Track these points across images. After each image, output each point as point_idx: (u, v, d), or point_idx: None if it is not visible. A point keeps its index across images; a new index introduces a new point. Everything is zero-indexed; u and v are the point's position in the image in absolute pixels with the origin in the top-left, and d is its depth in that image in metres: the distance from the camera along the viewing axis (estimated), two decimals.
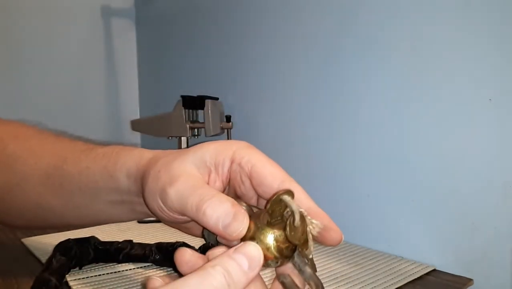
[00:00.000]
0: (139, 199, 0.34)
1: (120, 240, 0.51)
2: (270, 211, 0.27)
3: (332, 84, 0.64)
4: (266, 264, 0.26)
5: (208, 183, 0.31)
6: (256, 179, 0.30)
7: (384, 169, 0.58)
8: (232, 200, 0.28)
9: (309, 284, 0.27)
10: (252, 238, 0.27)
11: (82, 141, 0.42)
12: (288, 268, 0.28)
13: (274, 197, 0.26)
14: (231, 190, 0.33)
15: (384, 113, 0.58)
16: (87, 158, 0.37)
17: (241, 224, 0.27)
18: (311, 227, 0.27)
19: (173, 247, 0.49)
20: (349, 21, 0.61)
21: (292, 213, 0.26)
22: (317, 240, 0.28)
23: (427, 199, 0.54)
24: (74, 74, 1.01)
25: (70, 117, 0.99)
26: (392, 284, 0.47)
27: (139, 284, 0.45)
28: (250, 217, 0.28)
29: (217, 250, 0.26)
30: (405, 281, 0.48)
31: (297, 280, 0.28)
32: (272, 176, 0.30)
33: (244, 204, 0.29)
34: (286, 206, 0.26)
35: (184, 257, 0.26)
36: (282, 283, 0.27)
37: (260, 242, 0.26)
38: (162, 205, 0.30)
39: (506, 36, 0.46)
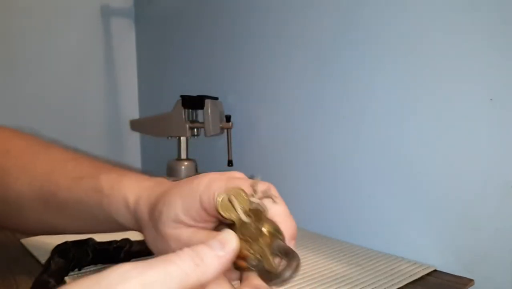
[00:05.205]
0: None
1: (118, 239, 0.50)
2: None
3: (333, 84, 0.64)
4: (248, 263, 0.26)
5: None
6: None
7: (385, 169, 0.58)
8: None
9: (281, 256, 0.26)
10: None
11: (71, 154, 0.42)
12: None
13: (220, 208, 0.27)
14: None
15: (384, 113, 0.58)
16: (79, 189, 0.38)
17: None
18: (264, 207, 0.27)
19: None
20: (350, 22, 0.61)
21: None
22: None
23: (428, 199, 0.54)
24: (74, 73, 1.00)
25: (70, 117, 0.99)
26: (392, 284, 0.46)
27: None
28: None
29: None
30: (406, 282, 0.48)
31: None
32: None
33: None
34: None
35: None
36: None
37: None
38: None
39: (507, 36, 0.46)
